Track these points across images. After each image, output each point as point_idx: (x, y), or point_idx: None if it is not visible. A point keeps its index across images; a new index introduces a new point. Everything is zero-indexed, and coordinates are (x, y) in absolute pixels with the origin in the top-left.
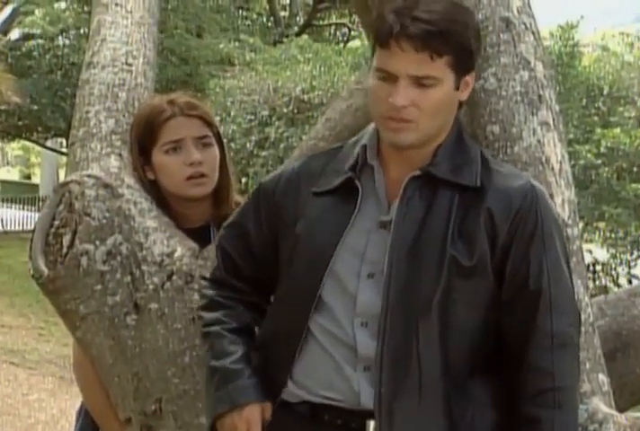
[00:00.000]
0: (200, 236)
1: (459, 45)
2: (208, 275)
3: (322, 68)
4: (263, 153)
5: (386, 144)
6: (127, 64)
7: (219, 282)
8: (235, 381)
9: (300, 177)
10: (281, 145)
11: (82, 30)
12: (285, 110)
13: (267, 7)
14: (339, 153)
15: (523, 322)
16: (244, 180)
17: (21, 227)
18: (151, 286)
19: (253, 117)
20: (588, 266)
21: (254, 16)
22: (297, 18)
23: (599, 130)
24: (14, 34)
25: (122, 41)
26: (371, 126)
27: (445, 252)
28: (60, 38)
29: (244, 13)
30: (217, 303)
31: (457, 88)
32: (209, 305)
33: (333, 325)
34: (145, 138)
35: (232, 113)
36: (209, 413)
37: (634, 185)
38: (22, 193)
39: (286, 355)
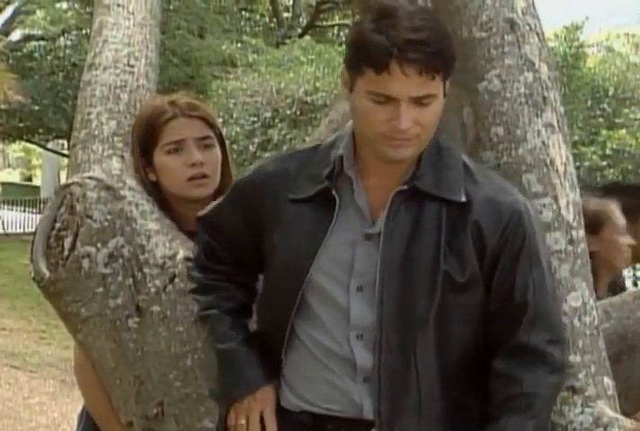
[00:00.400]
0: None
1: (451, 58)
2: (192, 256)
3: (325, 70)
4: (266, 155)
5: (380, 158)
6: (129, 65)
7: (204, 268)
8: (244, 365)
9: (277, 179)
10: (284, 147)
11: (83, 31)
12: (288, 112)
13: (270, 8)
14: (314, 155)
15: (504, 334)
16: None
17: (22, 229)
18: (153, 289)
19: (255, 118)
20: None
21: (257, 17)
22: (300, 19)
23: (604, 132)
24: (15, 35)
25: (124, 43)
26: (346, 130)
27: (438, 268)
28: (62, 39)
29: (247, 15)
30: (209, 285)
31: (445, 95)
32: (201, 289)
33: (326, 339)
34: (146, 139)
35: (234, 115)
36: (222, 395)
37: None
38: (23, 195)
39: (274, 350)
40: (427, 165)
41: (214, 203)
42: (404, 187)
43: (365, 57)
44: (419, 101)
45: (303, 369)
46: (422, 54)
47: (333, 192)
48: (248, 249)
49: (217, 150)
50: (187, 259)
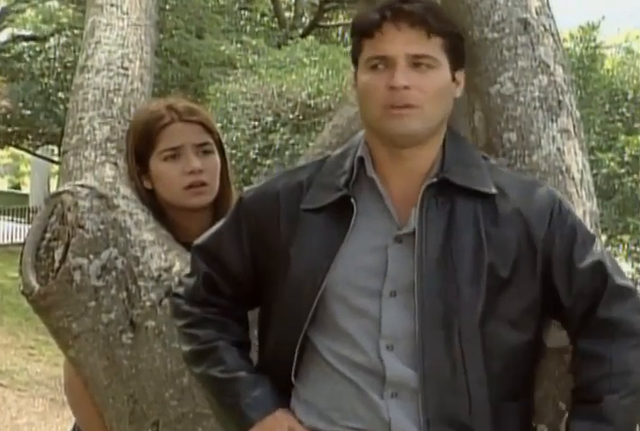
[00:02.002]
0: None
1: (452, 27)
2: (181, 291)
3: (329, 72)
4: (268, 162)
5: (387, 140)
6: (123, 67)
7: (203, 302)
8: (258, 388)
9: (291, 192)
10: (287, 153)
11: (75, 31)
12: (290, 116)
13: (271, 7)
14: (323, 165)
15: (581, 314)
16: (246, 189)
17: (10, 240)
18: (148, 303)
19: (256, 123)
20: None
21: (258, 17)
22: (303, 19)
23: (622, 137)
24: (3, 36)
25: (118, 44)
26: (358, 137)
27: (482, 261)
28: (52, 39)
29: (247, 14)
30: (208, 319)
31: (454, 79)
32: (198, 323)
33: (352, 351)
34: (142, 145)
35: (234, 119)
36: (237, 422)
37: None
38: (11, 204)
39: (285, 372)
40: (451, 159)
41: (211, 230)
42: (434, 179)
43: (360, 29)
44: (417, 62)
45: (325, 386)
46: (417, 7)
47: (352, 200)
48: (248, 279)
49: (216, 156)
50: (175, 295)
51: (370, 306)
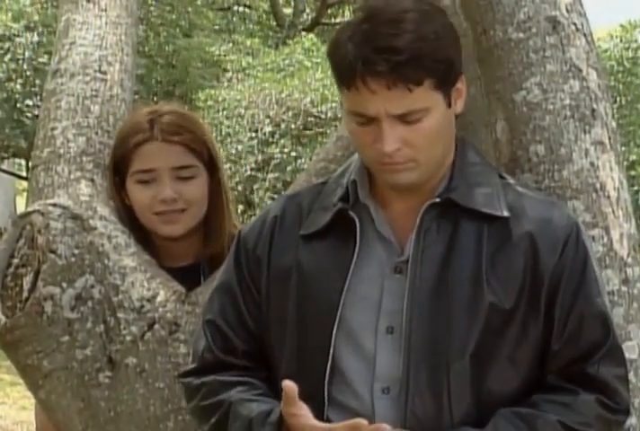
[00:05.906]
0: (188, 276)
1: (437, 63)
2: (189, 368)
3: None
4: (270, 176)
5: (385, 186)
6: (100, 71)
7: (214, 366)
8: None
9: (289, 216)
10: (288, 168)
11: (47, 30)
12: (292, 126)
13: (268, 3)
14: (324, 188)
15: (565, 366)
16: (241, 207)
17: None
18: (128, 337)
19: (253, 134)
20: None
21: (252, 13)
22: (304, 15)
23: None
24: None
25: (95, 45)
26: (356, 155)
27: (480, 296)
28: (22, 38)
29: (239, 10)
30: (230, 382)
31: (450, 105)
32: (219, 388)
33: (346, 395)
34: (119, 160)
35: (228, 130)
36: None
37: None
38: None
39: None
40: (459, 178)
41: (219, 274)
42: (437, 199)
43: (335, 72)
44: (403, 119)
45: None
46: (390, 64)
47: (351, 213)
48: (261, 327)
49: (200, 180)
50: (182, 374)
51: (367, 343)
